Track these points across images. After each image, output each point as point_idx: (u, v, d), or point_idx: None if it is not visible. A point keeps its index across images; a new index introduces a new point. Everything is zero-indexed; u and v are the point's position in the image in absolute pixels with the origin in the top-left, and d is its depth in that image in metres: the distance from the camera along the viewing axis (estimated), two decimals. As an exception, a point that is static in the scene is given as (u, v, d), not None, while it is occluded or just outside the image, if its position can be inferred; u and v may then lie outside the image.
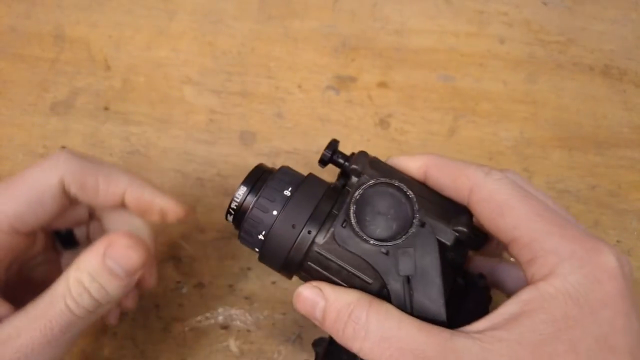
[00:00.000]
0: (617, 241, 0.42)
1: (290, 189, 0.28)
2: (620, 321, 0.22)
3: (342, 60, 0.49)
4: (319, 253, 0.27)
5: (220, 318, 0.40)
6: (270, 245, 0.28)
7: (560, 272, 0.22)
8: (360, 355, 0.25)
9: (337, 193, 0.28)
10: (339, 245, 0.26)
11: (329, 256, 0.27)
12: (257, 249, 0.29)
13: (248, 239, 0.29)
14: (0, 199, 0.29)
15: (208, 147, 0.45)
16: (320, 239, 0.27)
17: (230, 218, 0.30)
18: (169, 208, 0.31)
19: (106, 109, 0.47)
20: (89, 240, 0.35)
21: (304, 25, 0.50)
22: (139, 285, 0.33)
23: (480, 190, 0.25)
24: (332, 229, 0.26)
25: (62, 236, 0.35)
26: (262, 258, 0.29)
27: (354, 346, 0.25)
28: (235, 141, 0.46)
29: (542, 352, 0.21)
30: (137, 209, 0.31)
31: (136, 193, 0.31)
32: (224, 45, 0.50)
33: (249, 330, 0.39)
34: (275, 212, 0.27)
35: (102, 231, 0.34)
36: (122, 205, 0.31)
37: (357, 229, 0.25)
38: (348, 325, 0.25)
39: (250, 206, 0.28)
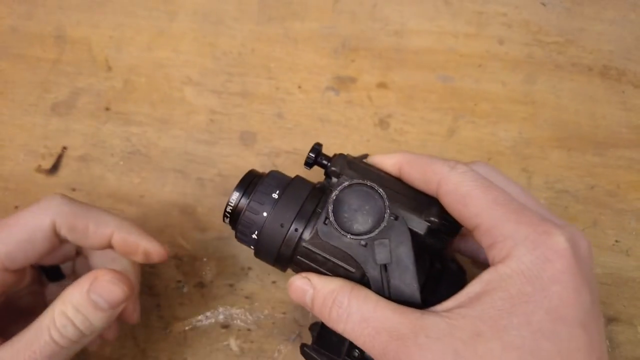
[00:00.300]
0: (616, 241, 0.43)
1: (278, 191, 0.31)
2: (570, 295, 0.24)
3: (341, 61, 0.49)
4: (306, 248, 0.30)
5: (221, 317, 0.40)
6: (263, 243, 0.31)
7: (515, 255, 0.24)
8: (344, 335, 0.27)
9: (321, 192, 0.31)
10: (323, 240, 0.29)
11: (315, 250, 0.30)
12: (252, 247, 0.32)
13: (243, 239, 0.32)
14: None
15: (208, 147, 0.45)
16: (306, 235, 0.30)
17: (227, 220, 0.33)
18: (153, 250, 0.34)
19: (107, 109, 0.47)
20: (74, 274, 0.37)
21: (304, 26, 0.51)
22: (122, 319, 0.35)
23: (446, 183, 0.28)
24: (316, 226, 0.29)
25: (48, 270, 0.36)
26: (257, 254, 0.32)
27: (339, 327, 0.27)
28: (235, 141, 0.46)
29: (499, 325, 0.23)
30: (123, 250, 0.33)
31: (123, 236, 0.33)
32: (225, 46, 0.50)
33: (249, 330, 0.40)
34: (265, 214, 0.30)
35: (88, 266, 0.36)
36: (109, 247, 0.33)
37: (335, 226, 0.28)
38: (333, 310, 0.27)
39: (243, 209, 0.31)
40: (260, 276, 0.41)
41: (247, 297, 0.40)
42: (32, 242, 0.31)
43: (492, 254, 0.26)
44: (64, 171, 0.44)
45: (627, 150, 0.46)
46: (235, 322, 0.40)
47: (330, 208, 0.28)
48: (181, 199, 0.43)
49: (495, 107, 0.48)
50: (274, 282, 0.41)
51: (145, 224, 0.42)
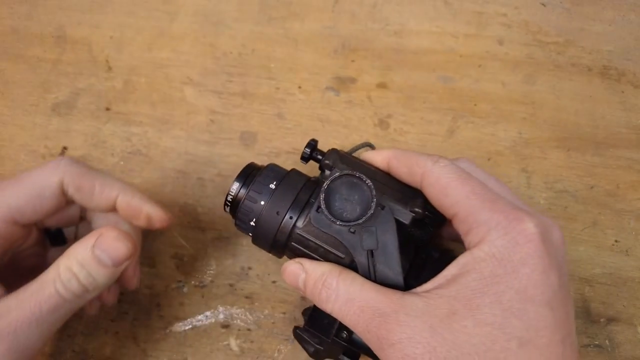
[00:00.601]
0: (616, 241, 0.43)
1: (275, 182, 0.33)
2: (538, 277, 0.25)
3: (341, 61, 0.49)
4: (299, 234, 0.32)
5: (221, 317, 0.40)
6: (260, 230, 0.33)
7: (488, 239, 0.26)
8: (333, 314, 0.29)
9: (315, 184, 0.34)
10: (315, 227, 0.31)
11: (307, 237, 0.32)
12: (250, 234, 0.34)
13: (242, 226, 0.34)
14: (6, 192, 0.32)
15: (209, 148, 0.46)
16: (300, 223, 0.32)
17: (228, 209, 0.35)
18: (155, 215, 0.34)
19: (107, 109, 0.47)
20: (76, 240, 0.37)
21: (304, 27, 0.51)
22: (122, 283, 0.36)
23: (429, 176, 0.30)
24: (309, 214, 0.31)
25: (52, 234, 0.37)
26: (255, 240, 0.34)
27: (327, 307, 0.29)
28: (235, 141, 0.46)
29: (472, 303, 0.25)
30: (126, 213, 0.34)
31: (127, 199, 0.34)
32: (225, 46, 0.50)
33: (249, 329, 0.40)
34: (262, 202, 0.32)
35: (91, 231, 0.36)
36: (113, 210, 0.34)
37: (326, 213, 0.30)
38: (322, 291, 0.29)
39: (243, 198, 0.33)
40: (260, 276, 0.41)
41: (247, 297, 0.41)
42: (40, 198, 0.32)
43: (468, 240, 0.28)
44: (65, 171, 0.45)
45: (626, 151, 0.46)
46: (235, 321, 0.40)
47: (322, 196, 0.30)
48: (182, 198, 0.44)
49: (495, 108, 0.48)
50: (274, 281, 0.41)
51: (145, 224, 0.43)
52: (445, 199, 0.29)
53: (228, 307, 0.40)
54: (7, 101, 0.47)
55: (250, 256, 0.42)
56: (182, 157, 0.45)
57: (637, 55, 0.50)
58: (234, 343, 0.39)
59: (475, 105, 0.48)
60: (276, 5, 0.51)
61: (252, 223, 0.33)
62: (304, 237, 0.32)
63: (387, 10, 0.51)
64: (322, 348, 0.34)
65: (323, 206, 0.30)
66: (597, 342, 0.39)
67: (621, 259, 0.42)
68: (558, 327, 0.25)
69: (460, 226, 0.28)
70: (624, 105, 0.48)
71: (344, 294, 0.29)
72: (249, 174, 0.34)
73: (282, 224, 0.32)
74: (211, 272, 0.41)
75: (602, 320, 0.40)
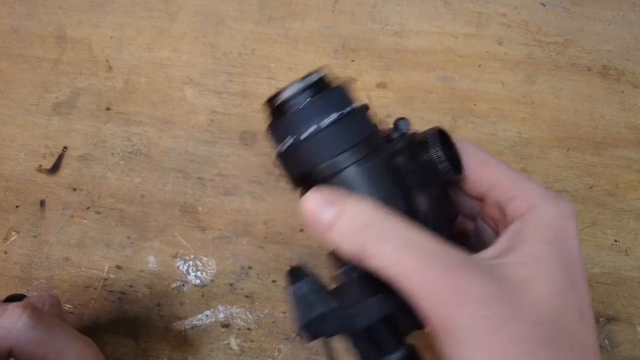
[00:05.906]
0: (615, 240, 0.43)
1: (344, 110, 0.27)
2: (579, 253, 0.25)
3: (341, 61, 0.49)
4: (347, 178, 0.26)
5: (221, 316, 0.40)
6: (301, 151, 0.26)
7: (540, 206, 0.26)
8: (375, 262, 0.23)
9: (384, 137, 0.29)
10: (374, 177, 0.26)
11: (359, 183, 0.26)
12: (282, 146, 0.27)
13: (278, 134, 0.27)
14: None
15: (209, 147, 0.46)
16: (354, 167, 0.26)
17: (271, 104, 0.28)
18: None
19: (108, 109, 0.47)
20: None
21: (304, 27, 0.51)
22: None
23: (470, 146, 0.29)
24: (371, 162, 0.26)
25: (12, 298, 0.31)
26: (284, 158, 0.28)
27: (372, 250, 0.23)
28: (235, 141, 0.46)
29: (544, 271, 0.24)
30: None
31: None
32: (225, 46, 0.50)
33: (249, 329, 0.40)
34: (319, 125, 0.26)
35: None
36: None
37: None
38: (367, 230, 0.24)
39: (299, 105, 0.27)
40: (260, 275, 0.41)
41: (247, 296, 0.41)
42: None
43: (512, 205, 0.26)
44: (65, 171, 0.45)
45: (625, 150, 0.46)
46: (235, 321, 0.40)
47: (404, 155, 0.27)
48: (182, 198, 0.44)
49: (495, 107, 0.48)
50: (274, 281, 0.41)
51: (146, 224, 0.43)
52: (485, 168, 0.27)
53: (228, 306, 0.40)
54: (8, 101, 0.47)
55: (250, 256, 0.42)
56: (182, 157, 0.45)
57: (637, 55, 0.50)
58: (234, 342, 0.39)
59: (474, 105, 0.48)
60: (276, 5, 0.51)
61: (291, 139, 0.27)
62: (351, 182, 0.26)
63: (387, 11, 0.52)
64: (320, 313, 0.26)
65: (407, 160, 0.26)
66: (596, 342, 0.39)
67: (620, 259, 0.42)
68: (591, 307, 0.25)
69: (502, 193, 0.27)
70: (623, 105, 0.48)
71: (399, 236, 0.23)
72: (317, 85, 0.28)
73: (337, 159, 0.26)
74: (211, 271, 0.41)
75: (601, 319, 0.40)
